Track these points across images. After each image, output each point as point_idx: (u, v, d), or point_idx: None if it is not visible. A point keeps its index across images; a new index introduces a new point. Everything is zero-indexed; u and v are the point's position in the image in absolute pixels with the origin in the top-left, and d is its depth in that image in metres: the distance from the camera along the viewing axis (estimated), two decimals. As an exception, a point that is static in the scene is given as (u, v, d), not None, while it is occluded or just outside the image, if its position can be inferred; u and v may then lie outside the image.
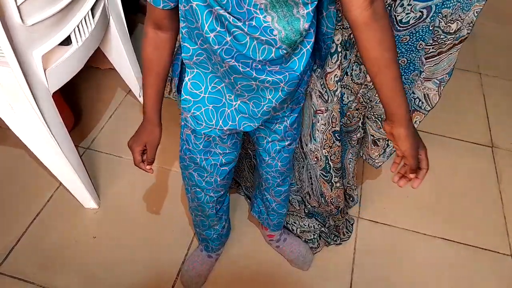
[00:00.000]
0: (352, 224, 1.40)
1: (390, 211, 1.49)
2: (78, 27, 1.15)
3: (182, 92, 0.84)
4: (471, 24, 0.92)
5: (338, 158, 1.10)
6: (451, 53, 0.98)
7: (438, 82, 1.05)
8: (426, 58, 0.99)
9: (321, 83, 0.96)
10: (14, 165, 1.52)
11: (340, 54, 0.89)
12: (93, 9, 1.21)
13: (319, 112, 1.01)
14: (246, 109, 0.83)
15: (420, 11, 0.87)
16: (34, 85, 1.04)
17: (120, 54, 1.50)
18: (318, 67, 0.95)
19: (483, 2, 0.89)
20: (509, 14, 2.50)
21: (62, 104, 1.51)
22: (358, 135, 1.16)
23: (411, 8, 0.86)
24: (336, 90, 0.95)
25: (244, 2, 0.65)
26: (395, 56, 0.70)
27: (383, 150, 1.21)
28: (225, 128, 0.86)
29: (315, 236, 1.34)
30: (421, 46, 0.94)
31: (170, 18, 0.76)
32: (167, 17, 0.75)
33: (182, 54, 0.78)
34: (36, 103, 1.05)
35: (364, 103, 1.06)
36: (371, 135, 1.18)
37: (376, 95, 1.05)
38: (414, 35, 0.91)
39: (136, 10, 2.04)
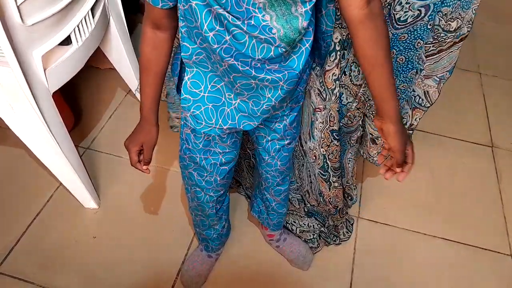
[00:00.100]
0: (352, 224, 1.40)
1: (390, 211, 1.49)
2: (78, 27, 1.15)
3: (182, 91, 0.84)
4: (471, 22, 0.93)
5: (336, 158, 1.10)
6: (451, 51, 0.98)
7: (438, 79, 1.05)
8: (426, 56, 1.00)
9: (320, 81, 0.96)
10: (14, 165, 1.52)
11: (338, 53, 0.89)
12: (93, 9, 1.21)
13: (318, 110, 1.01)
14: (246, 108, 0.83)
15: (418, 10, 0.87)
16: (34, 85, 1.04)
17: (120, 54, 1.50)
18: (317, 65, 0.95)
19: None
20: (508, 14, 2.50)
21: (62, 104, 1.51)
22: (358, 133, 1.16)
23: (409, 7, 0.87)
24: (334, 88, 0.95)
25: (243, 1, 0.66)
26: (389, 55, 0.72)
27: (381, 148, 1.21)
28: (224, 127, 0.86)
29: (314, 236, 1.34)
30: (419, 44, 0.95)
31: (168, 18, 0.76)
32: (165, 17, 0.75)
33: (182, 54, 0.78)
34: (36, 103, 1.05)
35: (364, 101, 1.06)
36: (370, 133, 1.18)
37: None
38: (412, 33, 0.92)
39: (136, 10, 2.04)
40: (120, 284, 1.26)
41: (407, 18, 0.89)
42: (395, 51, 0.98)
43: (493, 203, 1.54)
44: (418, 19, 0.89)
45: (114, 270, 1.28)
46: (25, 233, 1.34)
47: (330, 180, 1.15)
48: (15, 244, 1.32)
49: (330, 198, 1.21)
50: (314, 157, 1.12)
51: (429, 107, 1.12)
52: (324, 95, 0.98)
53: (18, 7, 0.91)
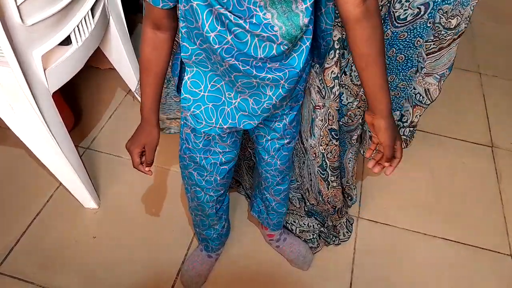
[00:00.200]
0: (352, 224, 1.40)
1: (390, 211, 1.49)
2: (78, 27, 1.15)
3: (182, 91, 0.84)
4: (468, 18, 0.95)
5: (335, 157, 1.10)
6: (450, 48, 1.00)
7: (439, 77, 1.06)
8: (427, 54, 1.01)
9: (320, 78, 0.96)
10: (14, 165, 1.52)
11: (337, 51, 0.90)
12: (93, 9, 1.21)
13: (318, 108, 1.01)
14: (246, 107, 0.83)
15: (418, 8, 0.88)
16: (34, 85, 1.04)
17: (120, 54, 1.50)
18: (316, 64, 0.95)
19: None
20: (508, 14, 2.50)
21: (62, 104, 1.51)
22: (358, 132, 1.17)
23: (409, 5, 0.87)
24: (333, 87, 0.95)
25: (244, 0, 0.66)
26: (384, 53, 0.73)
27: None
28: (225, 127, 0.86)
29: (314, 236, 1.34)
30: (419, 42, 0.95)
31: (169, 18, 0.76)
32: (166, 17, 0.75)
33: (181, 54, 0.78)
34: (36, 103, 1.05)
35: (365, 99, 1.06)
36: (369, 131, 1.18)
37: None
38: (412, 31, 0.92)
39: (136, 10, 2.04)
40: (120, 284, 1.26)
41: (407, 16, 0.89)
42: (394, 50, 0.98)
43: (493, 203, 1.54)
44: (417, 17, 0.89)
45: (114, 270, 1.28)
46: (25, 233, 1.34)
47: (329, 180, 1.15)
48: (15, 244, 1.32)
49: (328, 198, 1.21)
50: (314, 155, 1.12)
51: (429, 104, 1.12)
52: (324, 93, 0.98)
53: (18, 7, 0.91)
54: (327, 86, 0.96)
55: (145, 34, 0.78)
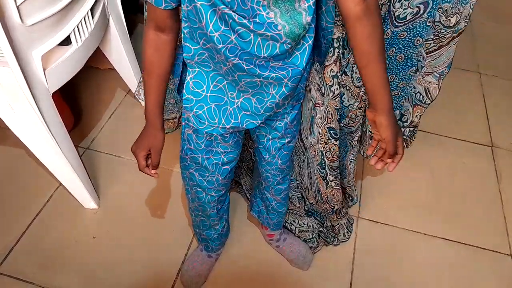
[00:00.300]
0: (352, 224, 1.40)
1: (390, 211, 1.49)
2: (77, 27, 1.15)
3: (184, 91, 0.84)
4: (468, 16, 0.95)
5: (334, 157, 1.10)
6: (450, 46, 1.00)
7: (438, 75, 1.06)
8: (427, 53, 1.01)
9: (320, 76, 0.96)
10: (14, 165, 1.52)
11: (336, 50, 0.90)
12: (92, 9, 1.21)
13: (317, 105, 1.01)
14: (249, 106, 0.83)
15: (417, 7, 0.88)
16: (34, 85, 1.04)
17: (120, 54, 1.50)
18: (317, 62, 0.95)
19: None
20: (508, 14, 2.50)
21: (62, 104, 1.51)
22: (359, 133, 1.17)
23: (408, 4, 0.87)
24: (332, 85, 0.95)
25: None
26: (383, 51, 0.74)
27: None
28: (227, 126, 0.86)
29: (313, 236, 1.34)
30: (418, 42, 0.95)
31: (171, 19, 0.76)
32: (168, 18, 0.75)
33: (184, 54, 0.78)
34: (35, 103, 1.05)
35: (365, 100, 1.06)
36: (370, 130, 1.18)
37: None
38: (411, 30, 0.92)
39: (136, 10, 2.04)
40: (120, 284, 1.26)
41: (406, 15, 0.89)
42: (394, 49, 0.98)
43: (493, 203, 1.54)
44: (417, 16, 0.90)
45: (114, 270, 1.28)
46: (25, 233, 1.34)
47: (327, 179, 1.15)
48: (15, 244, 1.32)
49: (327, 197, 1.21)
50: (314, 153, 1.12)
51: (429, 103, 1.12)
52: (323, 91, 0.98)
53: (18, 7, 0.91)
54: (326, 84, 0.96)
55: (147, 36, 0.78)
